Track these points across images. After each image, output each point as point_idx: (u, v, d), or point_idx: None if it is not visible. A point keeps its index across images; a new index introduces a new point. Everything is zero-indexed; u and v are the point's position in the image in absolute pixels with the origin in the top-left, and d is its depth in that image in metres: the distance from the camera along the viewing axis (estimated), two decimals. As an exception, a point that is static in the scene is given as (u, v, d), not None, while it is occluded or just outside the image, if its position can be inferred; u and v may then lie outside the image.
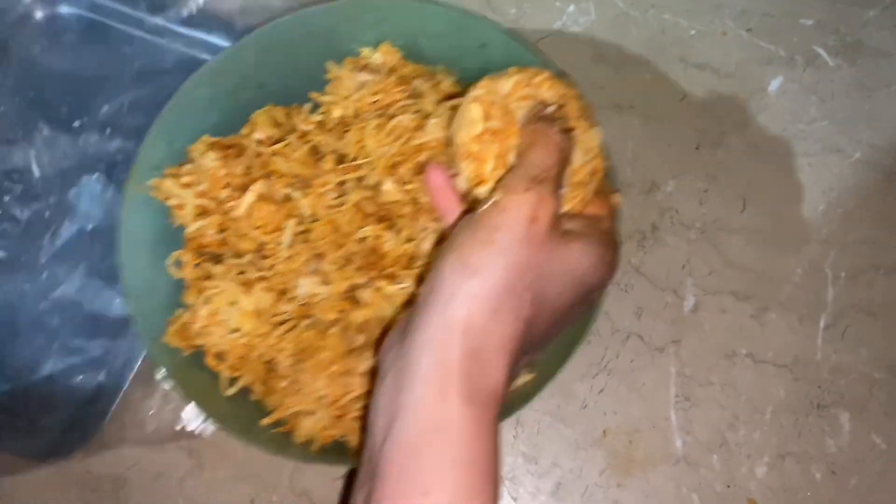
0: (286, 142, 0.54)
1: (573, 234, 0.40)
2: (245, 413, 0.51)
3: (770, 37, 0.66)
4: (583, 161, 0.42)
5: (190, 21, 0.65)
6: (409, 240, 0.52)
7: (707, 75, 0.66)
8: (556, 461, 0.57)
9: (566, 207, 0.42)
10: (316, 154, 0.55)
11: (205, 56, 0.65)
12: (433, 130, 0.52)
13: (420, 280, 0.51)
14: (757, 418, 0.58)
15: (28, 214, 0.61)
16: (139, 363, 0.58)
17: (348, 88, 0.55)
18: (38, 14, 0.66)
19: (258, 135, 0.55)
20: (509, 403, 0.47)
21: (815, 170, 0.63)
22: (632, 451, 0.57)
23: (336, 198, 0.53)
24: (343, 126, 0.55)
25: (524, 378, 0.51)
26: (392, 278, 0.51)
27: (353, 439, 0.51)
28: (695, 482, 0.57)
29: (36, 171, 0.61)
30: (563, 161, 0.40)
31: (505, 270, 0.36)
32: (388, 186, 0.52)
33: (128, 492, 0.58)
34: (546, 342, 0.41)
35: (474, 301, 0.36)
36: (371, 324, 0.51)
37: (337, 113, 0.55)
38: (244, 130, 0.56)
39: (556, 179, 0.39)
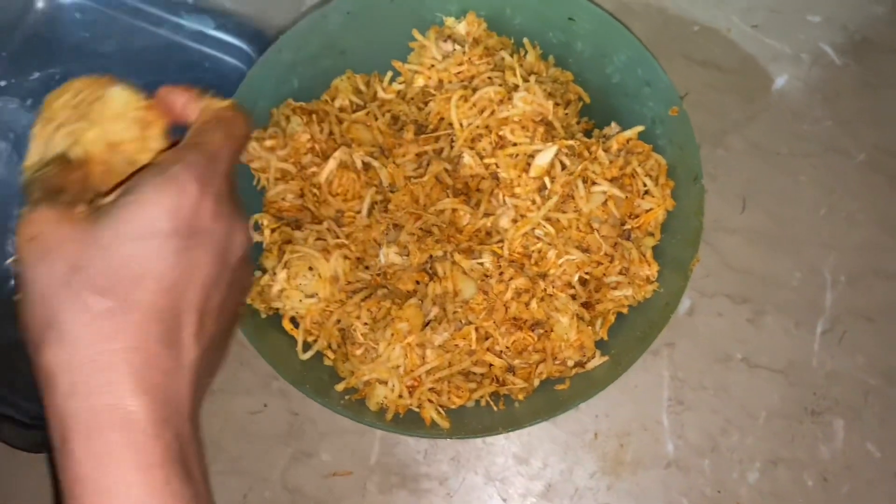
0: (367, 110, 0.55)
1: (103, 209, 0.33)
2: (319, 377, 0.52)
3: (776, 33, 0.65)
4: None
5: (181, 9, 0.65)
6: (487, 214, 0.52)
7: (710, 72, 0.64)
8: (546, 462, 0.57)
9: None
10: (395, 123, 0.55)
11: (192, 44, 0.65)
12: (519, 104, 0.51)
13: (496, 256, 0.51)
14: (750, 423, 0.57)
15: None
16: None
17: (433, 58, 0.56)
18: (40, 3, 0.66)
19: (339, 101, 0.55)
20: (581, 389, 0.49)
21: (817, 171, 0.62)
22: (622, 453, 0.57)
23: (415, 169, 0.53)
24: (424, 96, 0.56)
25: (596, 361, 0.51)
26: (468, 252, 0.51)
27: (426, 410, 0.51)
28: (685, 486, 0.56)
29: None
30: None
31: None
32: (468, 160, 0.52)
33: (122, 484, 0.58)
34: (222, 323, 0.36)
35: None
36: (446, 297, 0.51)
37: (420, 82, 0.56)
38: (325, 96, 0.57)
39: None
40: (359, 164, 0.54)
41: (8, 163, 0.60)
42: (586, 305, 0.52)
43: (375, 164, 0.54)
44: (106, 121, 0.37)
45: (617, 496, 0.56)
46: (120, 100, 0.37)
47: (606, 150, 0.53)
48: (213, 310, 0.35)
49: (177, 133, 0.38)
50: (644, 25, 0.65)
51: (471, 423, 0.51)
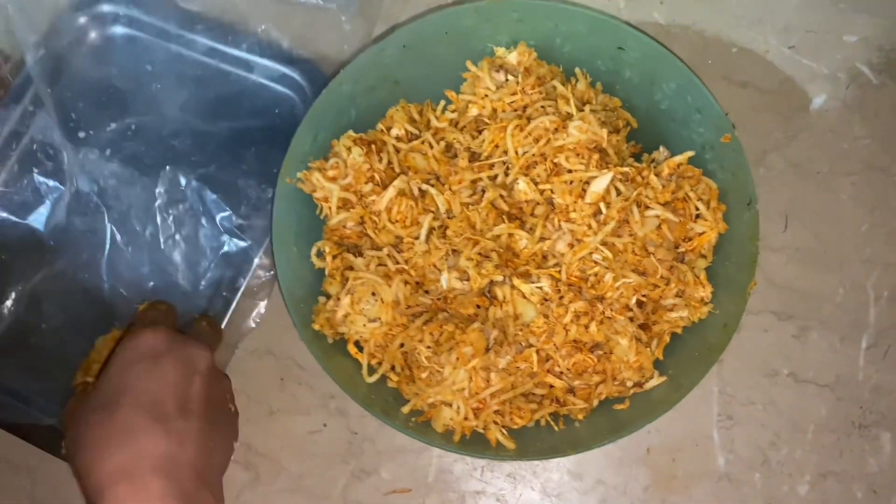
0: (422, 139, 0.57)
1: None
2: (385, 399, 0.54)
3: (813, 54, 0.66)
4: None
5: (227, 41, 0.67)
6: (543, 238, 0.54)
7: (749, 93, 0.66)
8: (600, 478, 0.59)
9: None
10: (448, 151, 0.57)
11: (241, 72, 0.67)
12: (574, 132, 0.53)
13: (554, 280, 0.53)
14: (798, 437, 0.59)
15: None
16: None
17: (486, 88, 0.57)
18: (93, 34, 0.69)
19: (396, 131, 0.58)
20: (642, 410, 0.51)
21: (857, 188, 0.63)
22: (675, 468, 0.59)
23: (471, 195, 0.55)
24: (477, 124, 0.58)
25: (654, 381, 0.53)
26: (526, 276, 0.53)
27: (492, 432, 0.53)
28: (737, 500, 0.58)
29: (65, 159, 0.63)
30: None
31: None
32: (523, 186, 0.54)
33: None
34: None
35: None
36: (506, 320, 0.53)
37: (473, 111, 0.58)
38: (380, 126, 0.59)
39: None
40: (416, 192, 0.56)
41: (96, 212, 0.62)
42: (643, 327, 0.53)
43: (432, 191, 0.56)
44: None
45: (670, 510, 0.58)
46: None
47: (658, 175, 0.54)
48: (192, 398, 0.48)
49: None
50: (684, 49, 0.67)
51: (532, 443, 0.53)
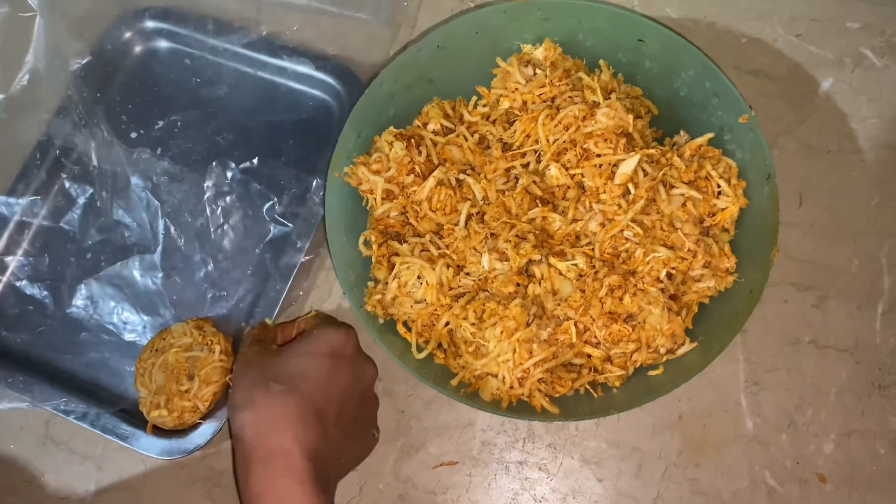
0: (457, 132, 0.61)
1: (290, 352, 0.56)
2: (435, 374, 0.58)
3: (819, 41, 0.70)
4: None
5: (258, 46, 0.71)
6: (575, 220, 0.58)
7: (761, 80, 0.70)
8: (636, 445, 0.62)
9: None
10: (482, 143, 0.61)
11: (264, 75, 0.72)
12: (602, 119, 0.57)
13: (588, 257, 0.57)
14: (822, 400, 0.62)
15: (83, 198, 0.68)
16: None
17: (516, 82, 0.61)
18: (137, 48, 0.73)
19: (432, 126, 0.62)
20: (674, 375, 0.55)
21: (867, 165, 0.67)
22: (706, 433, 0.62)
23: (505, 182, 0.60)
24: (508, 116, 0.62)
25: (686, 347, 0.57)
26: (562, 255, 0.57)
27: (536, 399, 0.56)
28: (766, 460, 0.61)
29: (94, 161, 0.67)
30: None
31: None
32: (555, 171, 0.58)
33: (247, 484, 0.64)
34: (348, 448, 0.56)
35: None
36: (545, 296, 0.57)
37: (505, 104, 0.62)
38: (417, 122, 0.63)
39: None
40: (453, 182, 0.60)
41: (147, 208, 0.66)
42: (673, 297, 0.57)
43: (469, 180, 0.60)
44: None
45: (704, 472, 0.61)
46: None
47: (680, 156, 0.58)
48: (349, 410, 0.55)
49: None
50: (696, 41, 0.70)
51: (574, 408, 0.56)
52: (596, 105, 0.58)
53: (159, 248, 0.66)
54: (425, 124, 0.62)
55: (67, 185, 0.68)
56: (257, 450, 0.50)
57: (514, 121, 0.61)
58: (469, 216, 0.59)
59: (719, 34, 0.71)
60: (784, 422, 0.62)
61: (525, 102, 0.61)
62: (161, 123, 0.70)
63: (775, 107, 0.69)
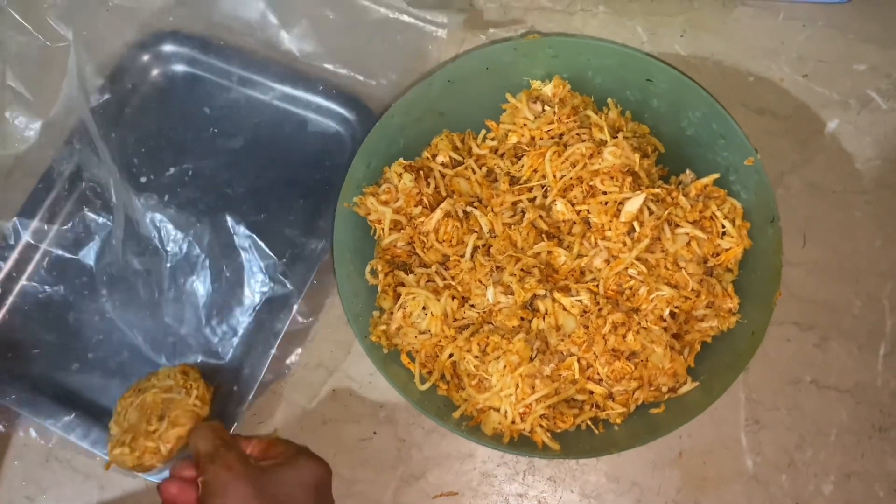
0: (465, 164, 0.62)
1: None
2: (437, 406, 0.58)
3: (825, 82, 0.71)
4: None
5: (284, 78, 0.72)
6: (580, 255, 0.58)
7: (766, 118, 0.71)
8: (635, 480, 0.63)
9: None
10: (489, 176, 0.62)
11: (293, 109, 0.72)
12: (609, 157, 0.58)
13: (592, 293, 0.57)
14: (822, 440, 0.63)
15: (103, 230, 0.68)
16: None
17: (524, 118, 0.62)
18: (155, 71, 0.74)
19: (441, 157, 0.63)
20: (676, 414, 0.55)
21: (871, 206, 0.68)
22: (706, 470, 0.63)
23: (511, 216, 0.60)
24: (516, 151, 0.63)
25: (688, 386, 0.57)
26: (566, 290, 0.58)
27: (538, 435, 0.56)
28: (766, 499, 0.61)
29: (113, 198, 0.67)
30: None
31: None
32: (561, 207, 0.59)
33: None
34: None
35: None
36: (549, 331, 0.57)
37: (513, 139, 0.63)
38: (426, 153, 0.64)
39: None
40: (461, 214, 0.61)
41: (154, 255, 0.66)
42: (675, 336, 0.58)
43: (476, 212, 0.60)
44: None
45: (703, 509, 0.62)
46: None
47: (686, 196, 0.59)
48: None
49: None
50: (703, 78, 0.72)
51: (575, 444, 0.57)
52: (603, 143, 0.59)
53: (162, 296, 0.66)
54: (434, 156, 0.63)
55: (88, 218, 0.68)
56: None
57: (522, 155, 0.62)
58: (475, 248, 0.60)
59: (726, 72, 0.72)
60: (784, 461, 0.62)
61: (533, 138, 0.62)
62: (172, 170, 0.70)
63: (781, 145, 0.70)
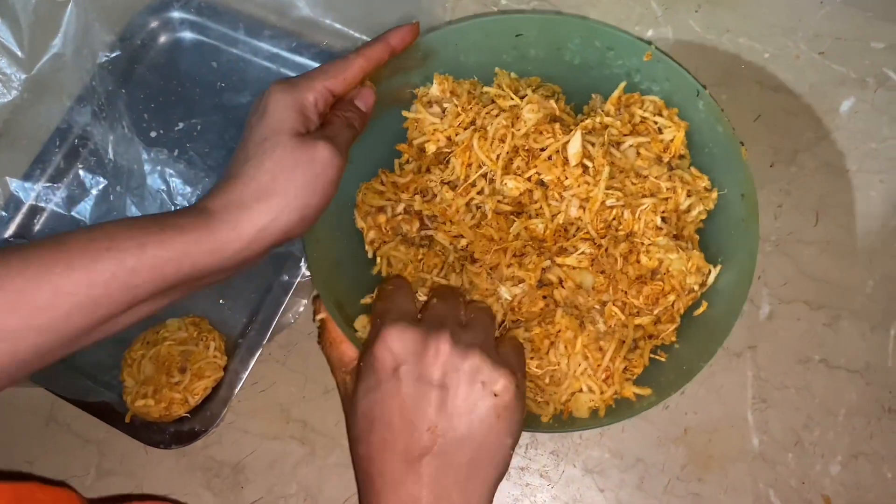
0: (398, 208, 0.61)
1: None
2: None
3: (842, 59, 0.70)
4: None
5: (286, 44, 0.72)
6: (555, 214, 0.58)
7: (781, 96, 0.70)
8: (640, 457, 0.62)
9: None
10: (426, 195, 0.61)
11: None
12: (530, 115, 0.58)
13: (588, 240, 0.57)
14: (830, 420, 0.62)
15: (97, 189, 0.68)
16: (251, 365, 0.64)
17: (432, 124, 0.61)
18: (162, 38, 0.73)
19: (381, 219, 0.61)
20: (721, 310, 0.55)
21: (886, 186, 0.67)
22: (711, 448, 0.62)
23: (472, 217, 0.59)
24: (438, 158, 0.61)
25: (715, 272, 0.57)
26: (564, 252, 0.57)
27: (627, 390, 0.55)
28: (771, 478, 0.61)
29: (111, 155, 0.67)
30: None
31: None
32: (512, 184, 0.58)
33: (246, 476, 0.64)
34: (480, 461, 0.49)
35: None
36: (573, 295, 0.57)
37: (431, 149, 0.61)
38: (359, 212, 0.62)
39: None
40: (419, 243, 0.60)
41: (161, 206, 0.66)
42: (676, 238, 0.57)
43: (437, 235, 0.59)
44: None
45: (707, 487, 0.61)
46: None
47: (608, 115, 0.59)
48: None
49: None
50: (719, 55, 0.71)
51: (657, 382, 0.55)
52: (516, 107, 0.59)
53: None
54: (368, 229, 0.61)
55: (82, 174, 0.68)
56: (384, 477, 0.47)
57: (448, 159, 0.60)
58: (461, 265, 0.58)
59: (741, 49, 0.71)
60: (791, 440, 0.61)
61: (449, 138, 0.60)
62: (182, 125, 0.70)
63: (795, 123, 0.69)
